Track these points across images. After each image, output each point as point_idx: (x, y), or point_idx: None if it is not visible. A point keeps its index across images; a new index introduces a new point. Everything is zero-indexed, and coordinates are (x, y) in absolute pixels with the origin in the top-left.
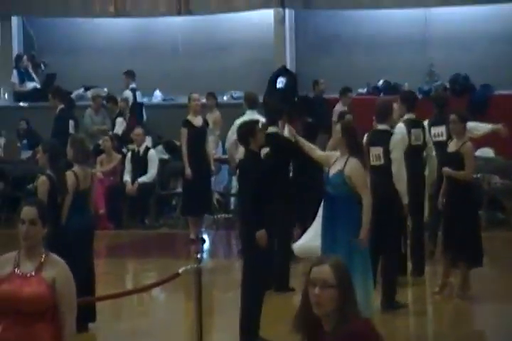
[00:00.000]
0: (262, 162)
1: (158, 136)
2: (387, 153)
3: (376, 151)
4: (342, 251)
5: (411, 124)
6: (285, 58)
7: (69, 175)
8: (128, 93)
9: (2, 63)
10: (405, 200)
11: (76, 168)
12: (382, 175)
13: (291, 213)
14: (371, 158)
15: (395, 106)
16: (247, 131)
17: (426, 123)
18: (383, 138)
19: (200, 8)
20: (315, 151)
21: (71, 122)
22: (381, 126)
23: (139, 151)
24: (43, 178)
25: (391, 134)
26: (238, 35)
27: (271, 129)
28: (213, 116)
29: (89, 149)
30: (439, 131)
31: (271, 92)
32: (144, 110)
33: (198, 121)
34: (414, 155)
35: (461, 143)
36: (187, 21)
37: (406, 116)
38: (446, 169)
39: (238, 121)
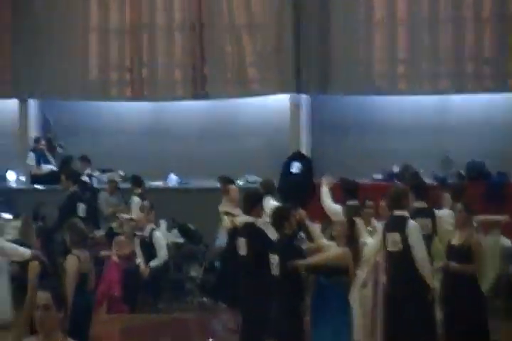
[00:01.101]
0: (295, 245)
1: (173, 219)
2: (404, 238)
3: (393, 237)
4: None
5: (419, 213)
6: (300, 143)
7: (71, 259)
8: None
9: (19, 145)
10: (432, 284)
11: (76, 251)
12: (401, 261)
13: None
14: (388, 244)
15: None
16: (282, 216)
17: (444, 211)
18: (400, 224)
19: (217, 93)
20: (317, 240)
21: (81, 205)
22: (398, 212)
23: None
24: (33, 263)
25: (407, 220)
26: (254, 119)
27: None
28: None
29: (86, 232)
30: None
31: (286, 177)
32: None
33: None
34: None
35: (465, 235)
36: (203, 105)
37: (415, 204)
38: (452, 264)
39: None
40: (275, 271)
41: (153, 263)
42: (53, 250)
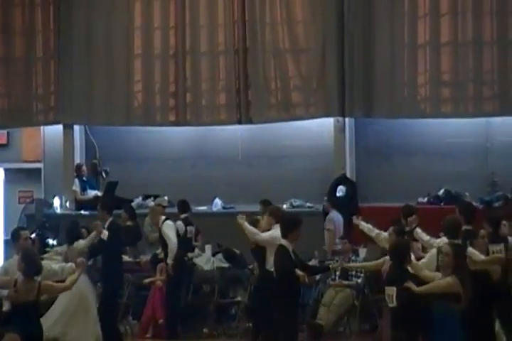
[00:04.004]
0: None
1: (218, 244)
2: None
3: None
4: None
5: (469, 236)
6: (345, 166)
7: (7, 281)
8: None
9: (64, 171)
10: None
11: (21, 278)
12: None
13: None
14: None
15: None
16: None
17: None
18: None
19: (261, 117)
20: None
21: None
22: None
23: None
24: None
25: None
26: (298, 142)
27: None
28: None
29: (40, 263)
30: (497, 249)
31: (331, 200)
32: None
33: None
34: None
35: None
36: (247, 129)
37: (464, 227)
38: None
39: None
40: (392, 302)
41: (169, 261)
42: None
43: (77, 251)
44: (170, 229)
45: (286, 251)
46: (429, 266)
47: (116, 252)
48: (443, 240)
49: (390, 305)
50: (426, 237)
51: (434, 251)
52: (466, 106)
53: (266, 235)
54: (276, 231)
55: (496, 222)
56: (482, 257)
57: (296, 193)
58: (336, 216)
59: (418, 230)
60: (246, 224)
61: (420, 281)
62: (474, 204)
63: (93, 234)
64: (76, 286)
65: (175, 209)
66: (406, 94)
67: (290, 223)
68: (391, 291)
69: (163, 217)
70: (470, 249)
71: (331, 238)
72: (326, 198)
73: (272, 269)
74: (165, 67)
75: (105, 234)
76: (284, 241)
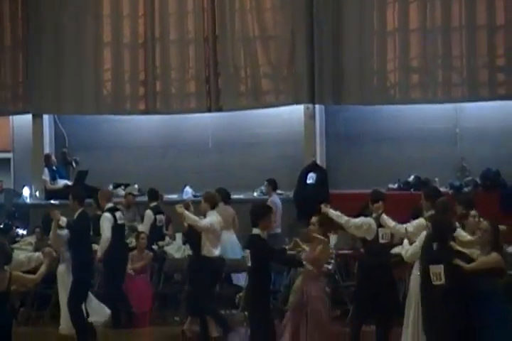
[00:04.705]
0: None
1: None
2: None
3: None
4: None
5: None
6: (315, 153)
7: None
8: None
9: (34, 161)
10: None
11: None
12: None
13: None
14: None
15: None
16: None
17: None
18: None
19: (231, 105)
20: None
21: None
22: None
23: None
24: None
25: None
26: (268, 130)
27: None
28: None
29: (10, 253)
30: None
31: (301, 188)
32: None
33: None
34: None
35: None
36: (217, 117)
37: (430, 212)
38: None
39: None
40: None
41: (99, 254)
42: None
43: (62, 240)
44: (105, 222)
45: (261, 239)
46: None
47: (86, 242)
48: (411, 225)
49: (437, 282)
50: (392, 223)
51: (423, 233)
52: (435, 92)
53: (206, 222)
54: (212, 218)
55: (470, 203)
56: (469, 237)
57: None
58: (275, 199)
59: (384, 216)
60: (186, 213)
61: (466, 258)
62: (444, 189)
63: (53, 223)
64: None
65: (145, 198)
66: (375, 80)
67: (259, 211)
68: (438, 269)
69: (110, 205)
70: (458, 230)
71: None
72: (266, 182)
73: (210, 255)
74: (134, 56)
75: (63, 220)
76: (255, 230)
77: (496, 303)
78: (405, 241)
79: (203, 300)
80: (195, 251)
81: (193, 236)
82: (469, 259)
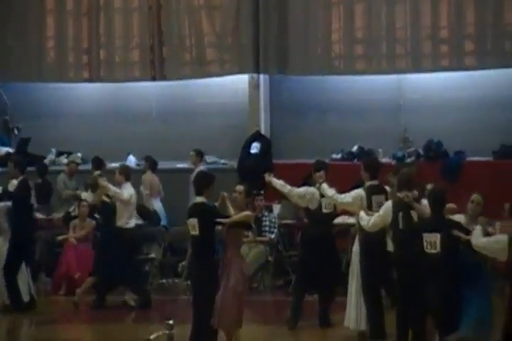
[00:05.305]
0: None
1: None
2: None
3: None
4: None
5: (373, 190)
6: (259, 123)
7: None
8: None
9: None
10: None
11: None
12: None
13: None
14: None
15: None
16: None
17: None
18: None
19: (175, 74)
20: None
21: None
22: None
23: None
24: None
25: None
26: (213, 99)
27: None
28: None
29: None
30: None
31: (245, 157)
32: None
33: None
34: None
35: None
36: (161, 86)
37: (369, 183)
38: None
39: None
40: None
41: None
42: None
43: (1, 211)
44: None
45: (209, 206)
46: (386, 219)
47: (27, 209)
48: (350, 195)
49: (431, 251)
50: (331, 192)
51: (389, 203)
52: (380, 63)
53: (126, 194)
54: (129, 190)
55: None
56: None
57: (210, 150)
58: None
59: (324, 185)
60: (109, 186)
61: (463, 228)
62: (387, 160)
63: None
64: None
65: (88, 166)
66: (320, 51)
67: (205, 180)
68: (434, 238)
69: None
70: (424, 201)
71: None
72: (192, 152)
73: (127, 226)
74: (78, 24)
75: (13, 183)
76: (200, 198)
77: (480, 275)
78: (362, 212)
79: (121, 271)
80: (111, 223)
81: (107, 208)
82: (466, 230)
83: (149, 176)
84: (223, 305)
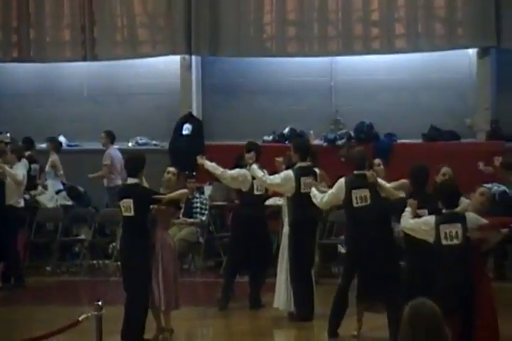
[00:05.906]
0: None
1: (62, 181)
2: None
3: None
4: None
5: (302, 172)
6: (191, 105)
7: None
8: None
9: None
10: None
11: None
12: None
13: None
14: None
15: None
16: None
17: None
18: None
19: (106, 54)
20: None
21: None
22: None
23: None
24: None
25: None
26: (144, 80)
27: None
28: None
29: None
30: None
31: (176, 139)
32: None
33: None
34: (302, 202)
35: None
36: (92, 67)
37: (298, 164)
38: None
39: None
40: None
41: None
42: None
43: None
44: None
45: (143, 187)
46: (339, 196)
47: None
48: (279, 176)
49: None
50: (260, 173)
51: (342, 180)
52: (311, 45)
53: (20, 175)
54: (22, 170)
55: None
56: (389, 184)
57: (142, 131)
58: (113, 151)
59: (254, 166)
60: (6, 168)
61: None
62: (319, 141)
63: None
64: None
65: None
66: (252, 32)
67: (140, 162)
68: (423, 213)
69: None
70: (380, 180)
71: (105, 172)
72: (103, 133)
73: (17, 205)
74: (7, 2)
75: None
76: (132, 180)
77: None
78: (313, 189)
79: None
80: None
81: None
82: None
83: (54, 157)
84: (161, 285)
